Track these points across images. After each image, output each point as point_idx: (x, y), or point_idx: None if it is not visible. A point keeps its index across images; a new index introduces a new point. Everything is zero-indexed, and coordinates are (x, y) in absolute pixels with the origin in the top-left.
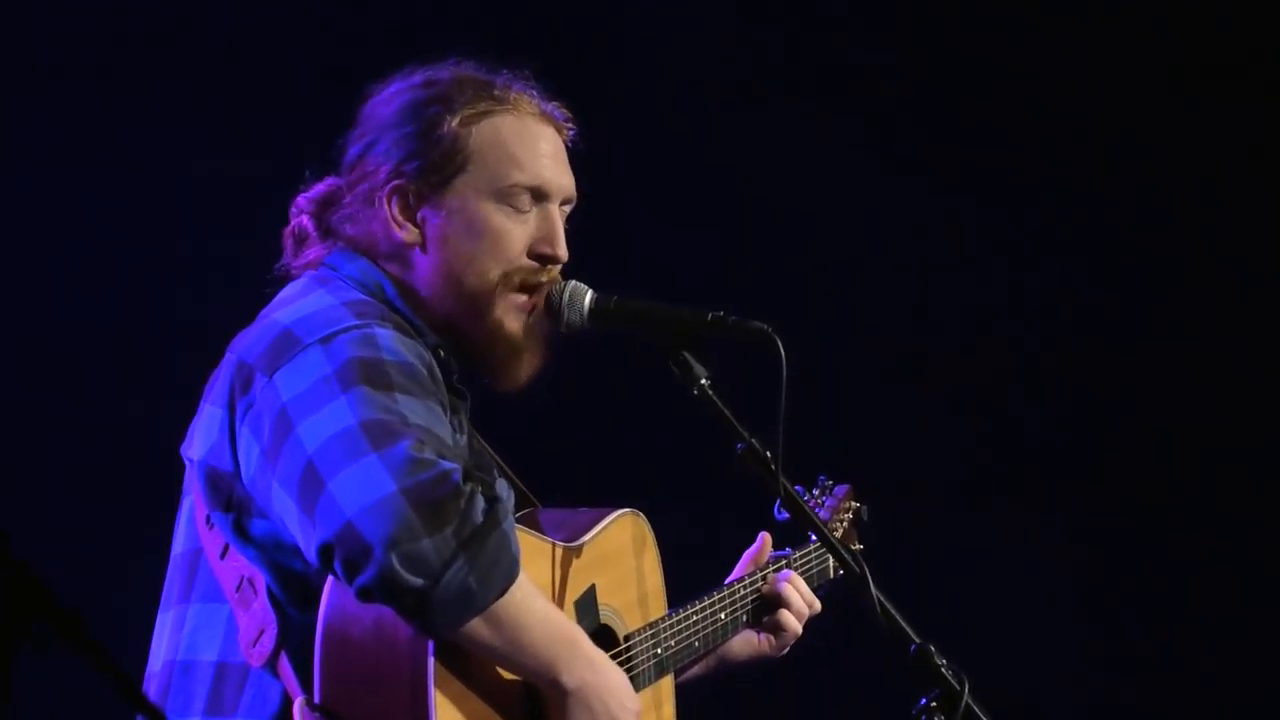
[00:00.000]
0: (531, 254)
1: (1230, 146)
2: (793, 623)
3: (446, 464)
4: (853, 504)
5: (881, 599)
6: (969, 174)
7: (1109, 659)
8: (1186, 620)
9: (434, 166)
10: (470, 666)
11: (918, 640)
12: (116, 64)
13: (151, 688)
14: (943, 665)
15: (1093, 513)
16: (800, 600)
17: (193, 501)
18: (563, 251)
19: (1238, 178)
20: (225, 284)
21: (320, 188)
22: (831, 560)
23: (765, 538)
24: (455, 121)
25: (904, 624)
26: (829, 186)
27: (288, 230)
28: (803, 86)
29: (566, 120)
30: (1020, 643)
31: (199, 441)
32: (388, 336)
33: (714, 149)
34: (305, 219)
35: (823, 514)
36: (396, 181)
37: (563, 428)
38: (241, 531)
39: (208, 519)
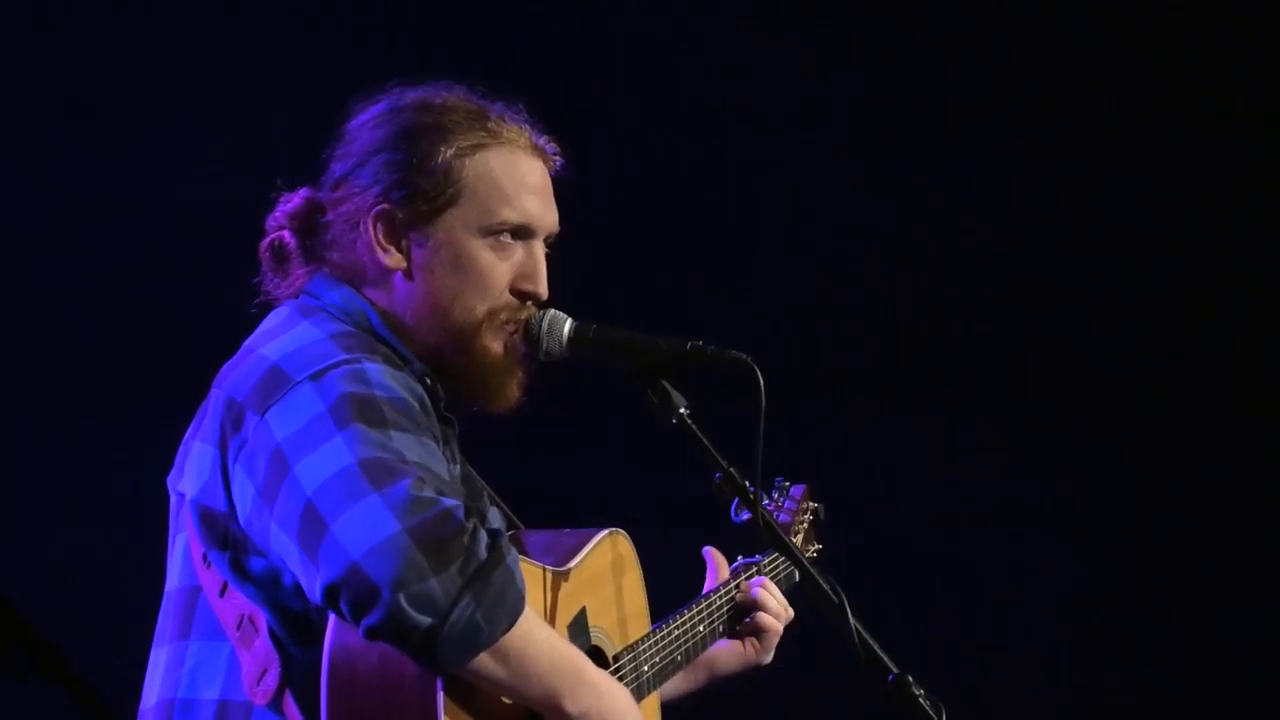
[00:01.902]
0: (514, 290)
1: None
2: (773, 624)
3: (448, 501)
4: (810, 504)
5: (859, 629)
6: (949, 187)
7: (1087, 690)
8: (1171, 651)
9: (424, 196)
10: (478, 700)
11: (895, 669)
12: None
13: None
14: (920, 695)
15: (1076, 532)
16: (776, 604)
17: (187, 538)
18: (544, 289)
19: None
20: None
21: (297, 201)
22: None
23: (710, 553)
24: (450, 152)
25: (881, 653)
26: (801, 205)
27: (264, 244)
28: (772, 106)
29: (556, 154)
30: (998, 665)
31: (190, 479)
32: (377, 371)
33: (687, 173)
34: (286, 234)
35: (783, 517)
36: (383, 205)
37: (543, 446)
38: (240, 570)
39: (204, 557)
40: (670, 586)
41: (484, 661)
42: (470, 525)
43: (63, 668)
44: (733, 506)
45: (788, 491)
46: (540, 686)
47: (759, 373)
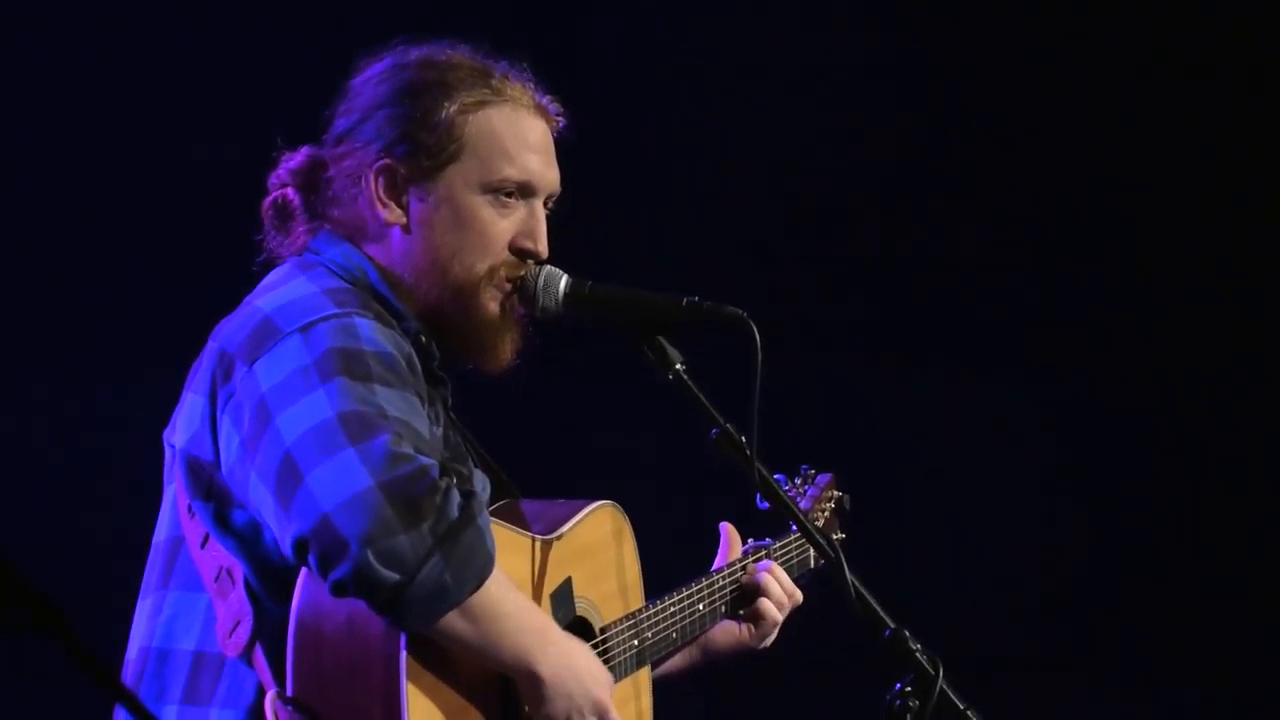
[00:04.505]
0: (514, 248)
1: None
2: (773, 612)
3: (424, 459)
4: (835, 493)
5: (856, 584)
6: (948, 167)
7: (1087, 655)
8: (1176, 629)
9: (427, 151)
10: (443, 659)
11: (892, 625)
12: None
13: (127, 674)
14: (917, 650)
15: (1073, 503)
16: (779, 590)
17: (175, 490)
18: (544, 248)
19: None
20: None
21: (300, 158)
22: (812, 550)
23: (727, 529)
24: (453, 109)
25: (878, 609)
26: (801, 172)
27: (268, 202)
28: (768, 58)
29: (558, 114)
30: (998, 625)
31: (181, 429)
32: (367, 326)
33: (686, 134)
34: (290, 192)
35: (804, 504)
36: (385, 160)
37: (544, 414)
38: (222, 521)
39: (189, 508)
40: (679, 560)
41: (453, 621)
42: (443, 484)
43: (61, 625)
44: (758, 495)
45: (813, 479)
46: (508, 648)
47: (755, 329)
